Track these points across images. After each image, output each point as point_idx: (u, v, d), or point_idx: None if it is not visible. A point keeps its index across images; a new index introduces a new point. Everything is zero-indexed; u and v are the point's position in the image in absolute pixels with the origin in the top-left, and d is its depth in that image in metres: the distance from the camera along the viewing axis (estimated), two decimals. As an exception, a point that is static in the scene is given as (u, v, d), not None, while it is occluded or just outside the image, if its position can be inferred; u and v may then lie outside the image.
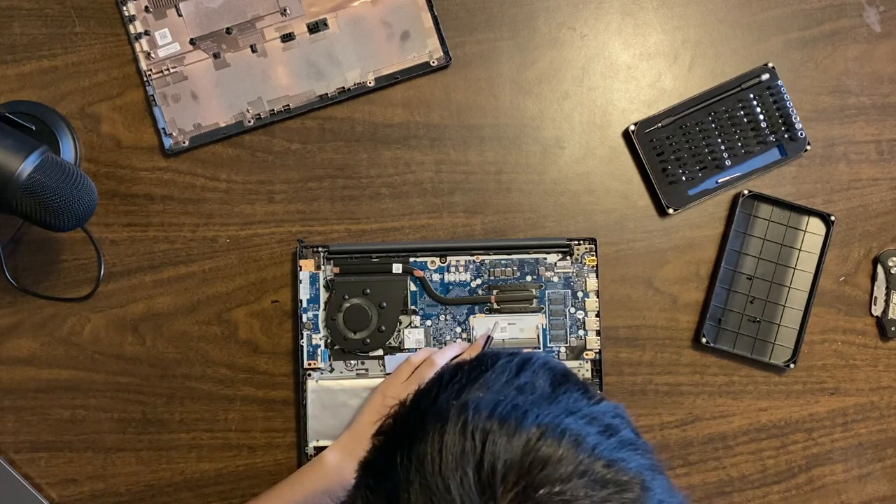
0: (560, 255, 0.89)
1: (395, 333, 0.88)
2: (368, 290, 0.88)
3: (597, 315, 0.89)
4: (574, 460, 0.42)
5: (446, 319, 0.89)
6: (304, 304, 0.88)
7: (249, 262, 0.89)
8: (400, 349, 0.88)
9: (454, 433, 0.44)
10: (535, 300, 0.89)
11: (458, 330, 0.89)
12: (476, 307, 0.89)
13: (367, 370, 0.88)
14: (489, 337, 0.88)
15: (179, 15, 0.89)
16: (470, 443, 0.43)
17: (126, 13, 0.89)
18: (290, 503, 0.80)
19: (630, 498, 0.43)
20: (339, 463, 0.81)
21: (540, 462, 0.42)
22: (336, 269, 0.88)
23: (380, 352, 0.88)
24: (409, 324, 0.88)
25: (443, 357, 0.85)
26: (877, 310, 0.92)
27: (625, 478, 0.43)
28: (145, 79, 0.89)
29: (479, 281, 0.89)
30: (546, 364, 0.51)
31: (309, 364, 0.88)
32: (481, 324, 0.89)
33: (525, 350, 0.49)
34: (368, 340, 0.88)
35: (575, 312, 0.89)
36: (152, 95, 0.89)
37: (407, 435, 0.46)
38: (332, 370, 0.88)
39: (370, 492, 0.45)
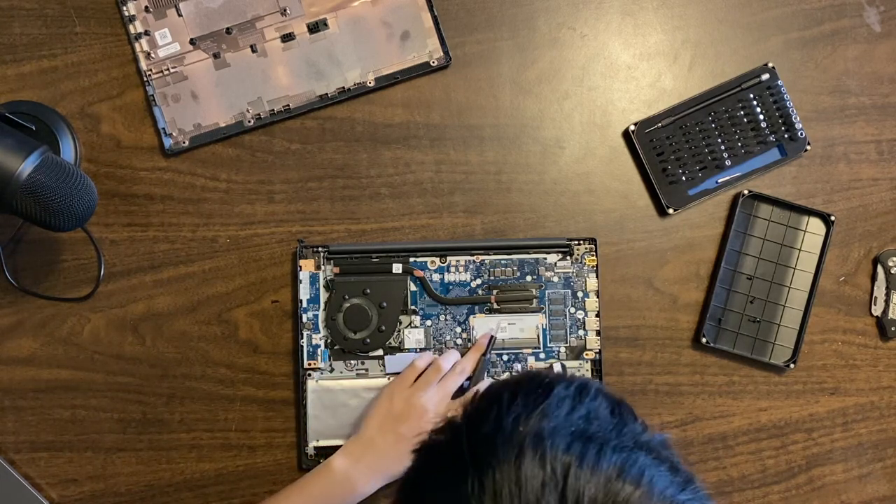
0: (560, 255, 0.89)
1: (395, 333, 0.88)
2: (368, 290, 0.88)
3: (597, 315, 0.89)
4: (650, 500, 0.44)
5: (446, 319, 0.89)
6: (304, 304, 0.88)
7: (249, 262, 0.89)
8: (400, 349, 0.88)
9: (533, 464, 0.44)
10: (535, 300, 0.89)
11: (458, 330, 0.89)
12: (476, 307, 0.89)
13: (367, 370, 0.88)
14: (492, 337, 0.88)
15: (179, 15, 0.89)
16: (550, 475, 0.43)
17: (126, 13, 0.89)
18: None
19: None
20: (347, 469, 0.81)
21: (622, 502, 0.43)
22: (336, 269, 0.88)
23: (380, 352, 0.88)
24: (409, 324, 0.89)
25: (447, 361, 0.85)
26: (877, 310, 0.92)
27: None
28: (145, 79, 0.89)
29: (479, 281, 0.89)
30: (601, 390, 0.52)
31: (309, 364, 0.88)
32: (481, 324, 0.89)
33: (576, 375, 0.50)
34: (368, 340, 0.88)
35: (575, 312, 0.89)
36: (152, 95, 0.89)
37: (473, 460, 0.46)
38: (332, 370, 0.88)
39: None
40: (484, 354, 0.87)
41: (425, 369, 0.85)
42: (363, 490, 0.81)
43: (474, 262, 0.89)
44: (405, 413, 0.82)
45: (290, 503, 0.80)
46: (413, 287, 0.89)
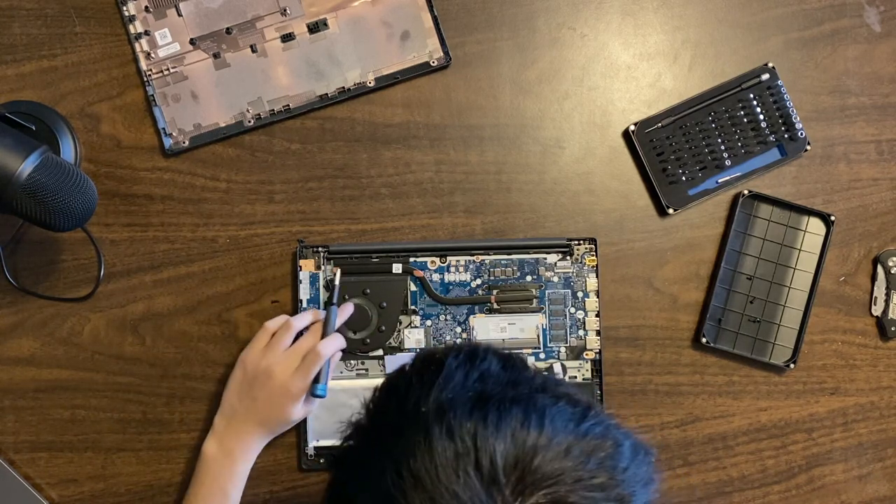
0: (560, 255, 0.89)
1: (396, 333, 0.88)
2: (368, 290, 0.88)
3: (597, 315, 0.89)
4: (556, 441, 0.46)
5: (446, 319, 0.89)
6: (304, 304, 0.88)
7: (249, 262, 0.89)
8: (400, 349, 0.88)
9: (441, 439, 0.45)
10: (535, 300, 0.89)
11: (458, 330, 0.89)
12: (476, 307, 0.89)
13: (367, 370, 0.88)
14: (335, 280, 0.86)
15: (179, 15, 0.89)
16: (461, 445, 0.45)
17: (126, 13, 0.89)
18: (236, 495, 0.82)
19: (608, 454, 0.47)
20: (218, 447, 0.82)
21: (530, 450, 0.45)
22: (336, 269, 0.88)
23: (380, 352, 0.88)
24: (409, 324, 0.89)
25: (301, 321, 0.84)
26: (877, 310, 0.92)
27: (598, 442, 0.47)
28: (145, 79, 0.89)
29: (479, 281, 0.89)
30: (490, 349, 0.53)
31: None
32: (481, 324, 0.89)
33: (462, 343, 0.52)
34: (368, 340, 0.88)
35: (575, 312, 0.89)
36: (152, 95, 0.89)
37: (385, 453, 0.47)
38: (332, 370, 0.88)
39: None
40: (330, 303, 0.86)
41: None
42: (243, 457, 0.82)
43: (474, 262, 0.89)
44: (256, 377, 0.82)
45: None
46: (413, 287, 0.89)
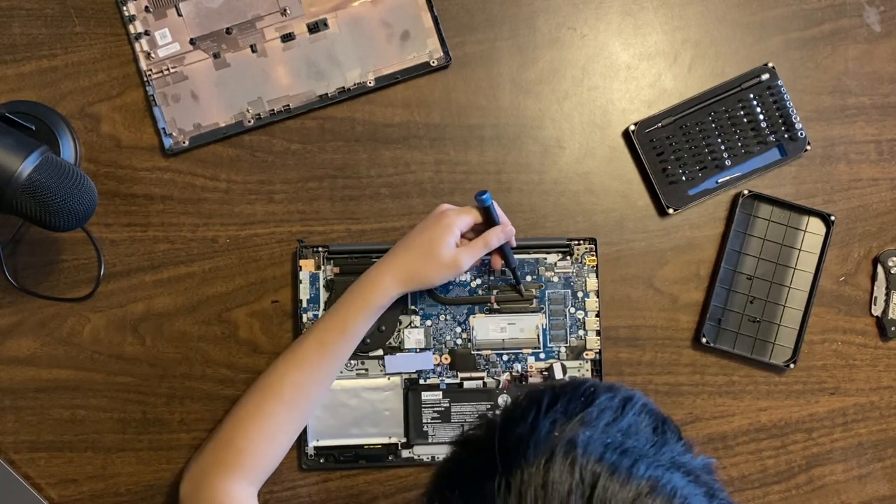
0: (560, 255, 0.89)
1: (395, 333, 0.88)
2: (368, 290, 0.88)
3: (597, 315, 0.89)
4: None
5: (446, 319, 0.89)
6: (304, 304, 0.88)
7: (249, 262, 0.89)
8: (400, 349, 0.88)
9: (562, 469, 0.43)
10: (535, 300, 0.89)
11: (458, 330, 0.89)
12: (476, 307, 0.89)
13: (367, 370, 0.88)
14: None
15: (179, 15, 0.89)
16: (578, 482, 0.43)
17: (126, 13, 0.89)
18: (353, 329, 0.80)
19: None
20: (397, 279, 0.80)
21: None
22: (336, 269, 0.88)
23: (380, 352, 0.88)
24: (409, 324, 0.88)
25: (496, 237, 0.82)
26: (877, 310, 0.92)
27: None
28: (145, 79, 0.89)
29: (479, 281, 0.89)
30: (646, 406, 0.50)
31: (309, 364, 0.87)
32: (481, 324, 0.89)
33: (620, 385, 0.49)
34: (368, 340, 0.88)
35: (575, 312, 0.89)
36: (152, 95, 0.89)
37: (503, 458, 0.45)
38: (332, 370, 0.88)
39: None
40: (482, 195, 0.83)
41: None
42: (373, 295, 0.80)
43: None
44: (431, 222, 0.81)
45: (355, 321, 0.80)
46: (413, 287, 0.89)
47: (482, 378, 0.89)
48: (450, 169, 0.91)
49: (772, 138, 0.91)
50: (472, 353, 0.89)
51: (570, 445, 0.44)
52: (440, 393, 0.88)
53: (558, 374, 0.89)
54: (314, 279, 0.88)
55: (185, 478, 0.80)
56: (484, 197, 0.81)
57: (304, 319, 0.88)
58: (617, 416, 0.48)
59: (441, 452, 0.88)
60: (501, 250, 0.85)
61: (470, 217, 0.82)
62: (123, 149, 0.89)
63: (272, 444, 0.79)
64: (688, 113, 0.91)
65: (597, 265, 0.89)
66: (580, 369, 0.89)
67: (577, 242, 0.90)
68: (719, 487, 0.48)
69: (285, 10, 0.89)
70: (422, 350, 0.88)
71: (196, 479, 0.78)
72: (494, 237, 0.82)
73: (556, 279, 0.89)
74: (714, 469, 0.48)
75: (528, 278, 0.89)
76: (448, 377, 0.89)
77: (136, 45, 0.89)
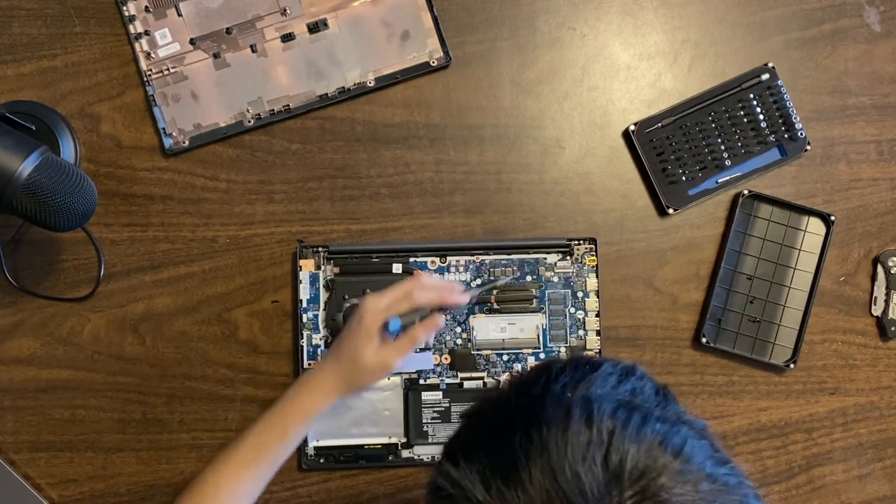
0: (560, 255, 0.89)
1: (395, 333, 0.88)
2: (368, 290, 0.88)
3: (597, 315, 0.89)
4: (688, 471, 0.45)
5: (446, 319, 0.89)
6: (304, 304, 0.88)
7: (249, 262, 0.89)
8: (400, 349, 0.88)
9: (580, 424, 0.45)
10: (535, 300, 0.89)
11: (459, 330, 0.89)
12: (476, 307, 0.89)
13: (367, 370, 0.88)
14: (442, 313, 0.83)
15: (179, 15, 0.89)
16: (596, 435, 0.45)
17: (126, 13, 0.89)
18: (294, 434, 0.78)
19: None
20: (334, 387, 0.78)
21: (660, 468, 0.44)
22: (336, 269, 0.88)
23: (380, 352, 0.88)
24: (409, 324, 0.88)
25: (424, 293, 0.80)
26: (877, 310, 0.92)
27: (727, 492, 0.46)
28: (145, 79, 0.89)
29: (479, 281, 0.89)
30: (645, 374, 0.53)
31: (309, 364, 0.88)
32: (481, 324, 0.89)
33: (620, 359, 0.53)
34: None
35: (575, 312, 0.89)
36: (152, 95, 0.89)
37: (520, 418, 0.47)
38: (332, 370, 0.88)
39: (484, 467, 0.46)
40: (442, 311, 0.83)
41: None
42: (310, 396, 0.78)
43: (474, 262, 0.89)
44: (353, 328, 0.78)
45: (284, 428, 0.78)
46: (413, 287, 0.88)
47: (482, 378, 0.89)
48: (450, 169, 0.91)
49: (772, 138, 0.91)
50: (472, 353, 0.89)
51: (585, 402, 0.47)
52: (440, 393, 0.88)
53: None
54: (314, 279, 0.88)
55: None
56: (390, 330, 0.77)
57: (304, 319, 0.88)
58: (622, 379, 0.51)
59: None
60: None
61: (397, 302, 0.78)
62: (123, 149, 0.89)
63: None
64: (688, 113, 0.91)
65: (597, 265, 0.89)
66: (580, 369, 0.89)
67: (577, 242, 0.90)
68: (718, 445, 0.50)
69: (285, 10, 0.89)
70: (422, 350, 0.88)
71: None
72: (423, 332, 0.80)
73: (556, 279, 0.89)
74: (709, 432, 0.51)
75: (528, 278, 0.89)
76: (448, 377, 0.89)
77: (136, 45, 0.89)
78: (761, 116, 0.91)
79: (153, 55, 0.89)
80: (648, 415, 0.47)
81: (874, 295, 0.92)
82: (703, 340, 0.89)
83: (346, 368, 0.78)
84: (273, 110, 0.89)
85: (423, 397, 0.88)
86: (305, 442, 0.87)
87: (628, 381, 0.51)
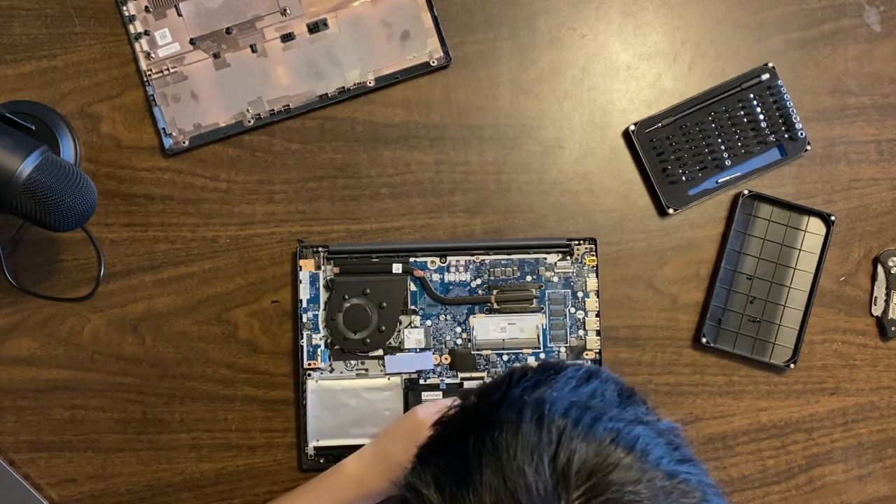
0: (560, 255, 0.89)
1: (395, 333, 0.88)
2: (368, 290, 0.88)
3: (597, 315, 0.89)
4: (641, 468, 0.45)
5: (446, 319, 0.89)
6: (304, 304, 0.88)
7: (249, 262, 0.89)
8: (400, 349, 0.88)
9: (530, 424, 0.46)
10: (535, 300, 0.89)
11: (458, 330, 0.89)
12: (476, 307, 0.89)
13: (367, 370, 0.88)
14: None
15: (179, 15, 0.89)
16: (546, 435, 0.45)
17: (126, 13, 0.89)
18: None
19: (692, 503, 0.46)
20: (360, 474, 0.80)
21: (611, 465, 0.44)
22: (336, 269, 0.88)
23: (380, 352, 0.88)
24: (409, 324, 0.89)
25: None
26: (877, 310, 0.92)
27: (686, 489, 0.46)
28: (145, 79, 0.89)
29: (479, 281, 0.89)
30: (611, 377, 0.53)
31: (309, 364, 0.88)
32: (481, 324, 0.89)
33: (589, 364, 0.52)
34: (368, 340, 0.88)
35: (575, 312, 0.89)
36: (152, 95, 0.89)
37: (477, 422, 0.48)
38: (332, 370, 0.88)
39: (440, 471, 0.47)
40: None
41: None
42: (372, 492, 0.80)
43: (474, 262, 0.89)
44: (423, 428, 0.80)
45: (300, 501, 0.80)
46: (413, 287, 0.89)
47: (482, 378, 0.89)
48: (450, 169, 0.91)
49: (772, 138, 0.91)
50: (472, 353, 0.89)
51: (537, 404, 0.47)
52: (440, 393, 0.88)
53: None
54: (314, 279, 0.88)
55: None
56: None
57: (304, 319, 0.88)
58: (582, 383, 0.51)
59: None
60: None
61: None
62: (123, 149, 0.89)
63: None
64: (688, 113, 0.91)
65: (597, 265, 0.89)
66: (580, 369, 0.89)
67: (577, 242, 0.90)
68: (683, 443, 0.50)
69: (285, 10, 0.89)
70: (422, 350, 0.88)
71: None
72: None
73: (556, 279, 0.89)
74: (681, 434, 0.51)
75: (528, 278, 0.89)
76: (448, 377, 0.89)
77: (136, 45, 0.89)
78: (761, 116, 0.91)
79: (153, 55, 0.89)
80: (601, 414, 0.47)
81: (874, 295, 0.92)
82: (703, 340, 0.89)
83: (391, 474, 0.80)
84: (273, 110, 0.89)
85: (423, 397, 0.88)
86: (305, 442, 0.87)
87: (590, 384, 0.51)
